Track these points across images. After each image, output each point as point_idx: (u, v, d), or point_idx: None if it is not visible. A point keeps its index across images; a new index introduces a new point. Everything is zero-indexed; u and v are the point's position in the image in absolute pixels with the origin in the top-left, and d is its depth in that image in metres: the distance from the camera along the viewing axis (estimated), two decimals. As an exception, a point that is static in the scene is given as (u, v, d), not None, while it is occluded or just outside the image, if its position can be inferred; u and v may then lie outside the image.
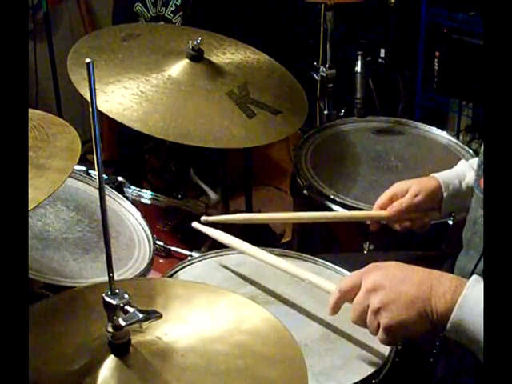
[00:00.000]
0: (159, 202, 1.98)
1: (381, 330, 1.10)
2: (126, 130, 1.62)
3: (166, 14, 2.98)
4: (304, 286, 1.36)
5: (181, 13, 2.96)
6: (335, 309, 1.18)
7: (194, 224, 1.47)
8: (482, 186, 1.30)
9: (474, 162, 1.56)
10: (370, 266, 1.17)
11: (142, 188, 2.00)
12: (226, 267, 1.43)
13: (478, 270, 1.29)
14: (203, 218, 1.48)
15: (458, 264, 1.39)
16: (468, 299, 1.05)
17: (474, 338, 1.04)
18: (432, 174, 1.55)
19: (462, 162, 1.59)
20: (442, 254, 1.64)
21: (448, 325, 1.06)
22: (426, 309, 1.07)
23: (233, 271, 1.42)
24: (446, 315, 1.06)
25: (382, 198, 1.53)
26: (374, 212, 1.53)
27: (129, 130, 1.61)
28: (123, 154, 3.26)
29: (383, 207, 1.52)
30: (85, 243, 1.48)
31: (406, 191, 1.50)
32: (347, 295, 1.15)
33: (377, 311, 1.10)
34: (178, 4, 2.95)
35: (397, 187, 1.53)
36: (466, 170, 1.53)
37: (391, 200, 1.51)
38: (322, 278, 1.27)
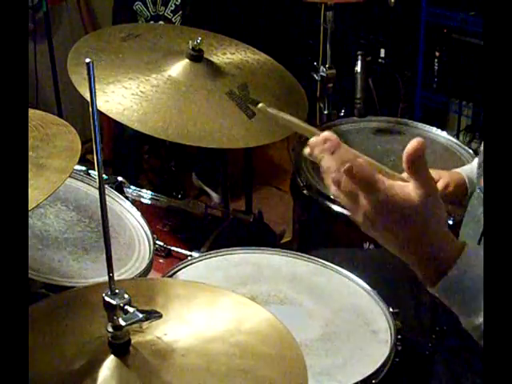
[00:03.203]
0: (159, 202, 1.98)
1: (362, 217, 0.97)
2: (123, 130, 1.62)
3: (165, 14, 2.99)
4: (304, 286, 1.36)
5: (180, 12, 2.96)
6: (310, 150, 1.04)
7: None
8: (482, 184, 1.30)
9: None
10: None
11: (139, 187, 2.00)
12: (225, 267, 1.44)
13: None
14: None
15: None
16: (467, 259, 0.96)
17: (461, 301, 0.96)
18: (455, 169, 1.54)
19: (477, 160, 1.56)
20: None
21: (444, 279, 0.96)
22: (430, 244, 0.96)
23: (233, 271, 1.42)
24: (450, 257, 0.96)
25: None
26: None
27: (125, 131, 1.61)
28: (118, 153, 3.25)
29: None
30: (85, 243, 1.48)
31: (436, 180, 1.47)
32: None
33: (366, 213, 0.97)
34: (178, 3, 2.96)
35: (432, 172, 1.47)
36: None
37: None
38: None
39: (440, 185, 1.48)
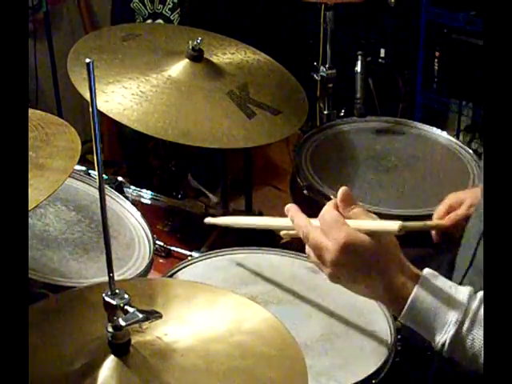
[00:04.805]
0: (159, 202, 1.97)
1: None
2: (127, 130, 1.62)
3: (163, 12, 2.98)
4: (304, 286, 1.36)
5: (178, 10, 2.96)
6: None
7: (207, 220, 1.52)
8: None
9: None
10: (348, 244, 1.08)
11: (149, 189, 2.00)
12: (225, 267, 1.43)
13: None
14: (206, 220, 1.52)
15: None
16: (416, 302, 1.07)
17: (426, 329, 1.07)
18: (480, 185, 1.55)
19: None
20: (439, 251, 1.64)
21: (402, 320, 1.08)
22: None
23: (233, 271, 1.42)
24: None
25: (441, 210, 1.53)
26: (435, 221, 1.53)
27: (130, 131, 1.61)
28: (126, 155, 3.26)
29: (442, 218, 1.53)
30: (85, 243, 1.48)
31: (460, 203, 1.51)
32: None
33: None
34: (176, 1, 2.95)
35: (452, 199, 1.54)
36: None
37: (448, 212, 1.52)
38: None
39: (464, 207, 1.50)
